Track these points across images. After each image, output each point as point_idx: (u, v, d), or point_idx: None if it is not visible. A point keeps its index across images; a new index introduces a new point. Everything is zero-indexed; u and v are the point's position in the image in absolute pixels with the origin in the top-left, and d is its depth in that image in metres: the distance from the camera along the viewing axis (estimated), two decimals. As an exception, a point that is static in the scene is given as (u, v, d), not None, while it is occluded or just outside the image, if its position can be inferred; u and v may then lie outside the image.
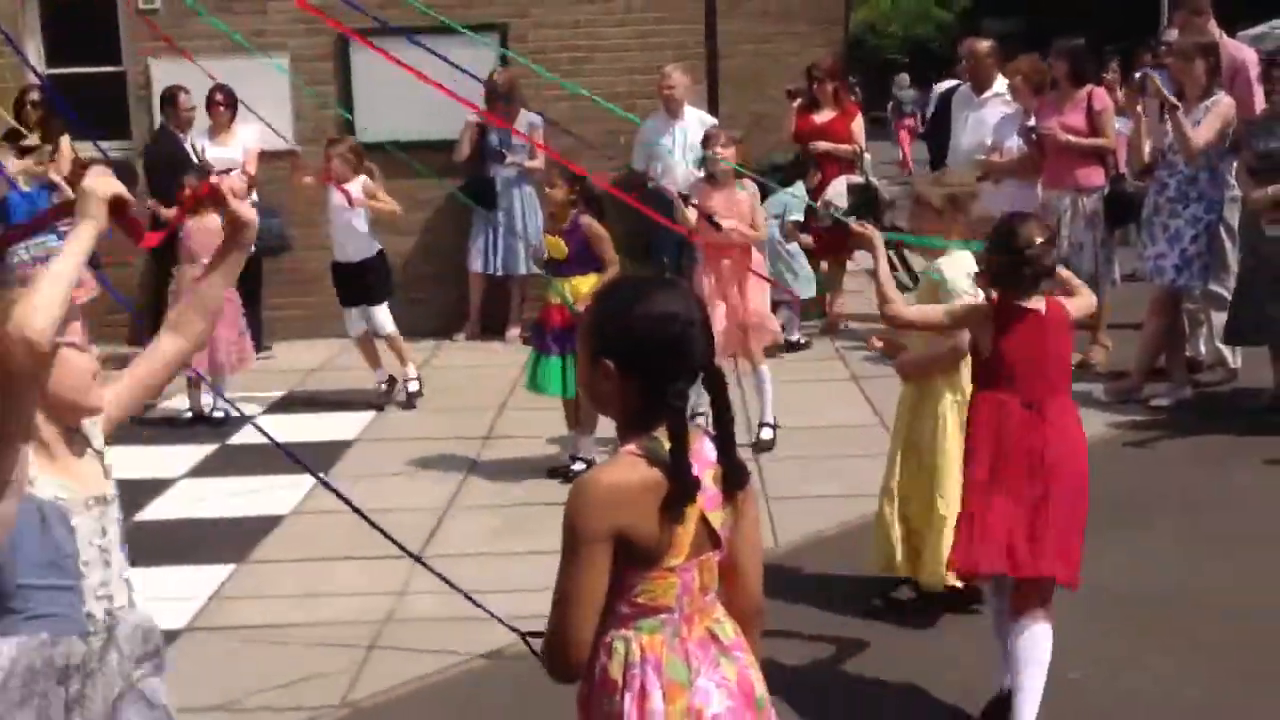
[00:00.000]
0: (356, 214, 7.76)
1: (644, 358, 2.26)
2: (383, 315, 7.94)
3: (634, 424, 2.30)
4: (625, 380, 2.28)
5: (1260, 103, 7.77)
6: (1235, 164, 7.56)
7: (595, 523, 2.20)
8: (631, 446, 2.28)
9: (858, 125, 9.90)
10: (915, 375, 4.72)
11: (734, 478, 2.34)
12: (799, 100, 9.96)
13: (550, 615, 2.23)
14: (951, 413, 4.58)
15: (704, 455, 2.33)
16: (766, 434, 6.92)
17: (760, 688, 2.39)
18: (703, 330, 2.31)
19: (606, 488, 2.23)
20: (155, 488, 6.59)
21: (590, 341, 2.33)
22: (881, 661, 4.48)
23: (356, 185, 7.74)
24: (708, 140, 7.03)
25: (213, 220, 7.28)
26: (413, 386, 8.03)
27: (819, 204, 9.61)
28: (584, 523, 2.20)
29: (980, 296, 4.14)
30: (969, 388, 4.15)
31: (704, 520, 2.30)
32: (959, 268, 4.50)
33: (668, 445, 2.25)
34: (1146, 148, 7.42)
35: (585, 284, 6.37)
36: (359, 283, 7.91)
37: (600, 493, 2.22)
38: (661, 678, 2.28)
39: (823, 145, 9.69)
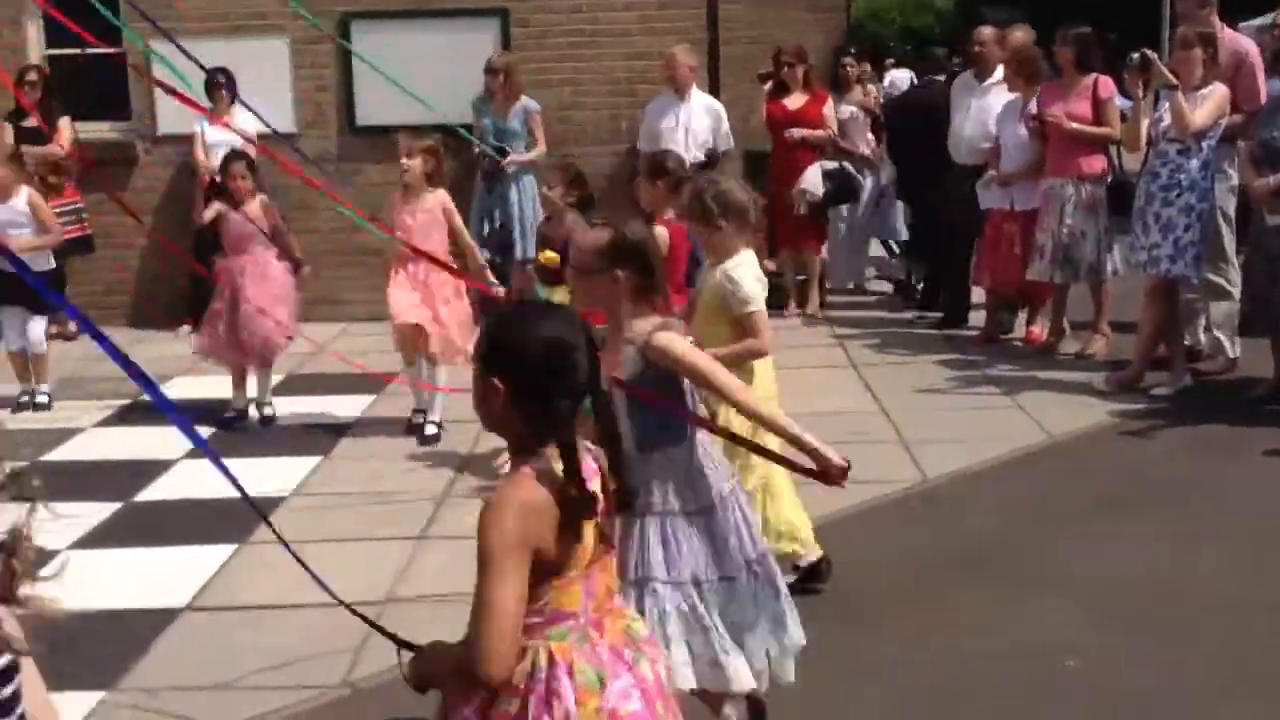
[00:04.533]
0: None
1: (531, 380, 2.36)
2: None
3: (524, 443, 2.39)
4: (514, 401, 2.37)
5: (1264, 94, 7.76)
6: (1235, 154, 7.58)
7: (512, 536, 2.27)
8: (525, 467, 2.36)
9: (829, 109, 9.90)
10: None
11: (626, 497, 2.50)
12: (768, 85, 9.95)
13: (471, 628, 2.27)
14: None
15: (589, 466, 2.43)
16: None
17: (670, 684, 2.54)
18: (587, 354, 2.41)
19: (519, 503, 2.30)
20: (156, 469, 6.59)
21: (481, 362, 2.42)
22: (866, 652, 4.49)
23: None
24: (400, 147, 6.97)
25: (251, 208, 7.28)
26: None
27: (794, 191, 9.63)
28: (501, 536, 2.26)
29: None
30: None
31: (599, 526, 2.41)
32: (749, 272, 4.45)
33: (556, 464, 2.33)
34: (1144, 125, 7.40)
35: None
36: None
37: (515, 507, 2.29)
38: (573, 681, 2.35)
39: (798, 133, 9.68)
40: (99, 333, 2.95)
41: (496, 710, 2.35)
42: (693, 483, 3.52)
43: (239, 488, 2.86)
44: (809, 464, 3.46)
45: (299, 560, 2.81)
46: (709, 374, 3.49)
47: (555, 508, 2.31)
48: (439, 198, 6.94)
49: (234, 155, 7.43)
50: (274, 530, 3.04)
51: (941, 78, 10.28)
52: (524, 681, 2.34)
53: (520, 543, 2.27)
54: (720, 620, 3.51)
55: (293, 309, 7.46)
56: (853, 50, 11.21)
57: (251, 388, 7.51)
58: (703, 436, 3.59)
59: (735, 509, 3.59)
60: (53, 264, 7.87)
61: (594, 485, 2.39)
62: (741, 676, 3.51)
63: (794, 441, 3.47)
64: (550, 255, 6.36)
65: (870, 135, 10.48)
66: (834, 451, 3.41)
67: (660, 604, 3.45)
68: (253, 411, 7.51)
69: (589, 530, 2.37)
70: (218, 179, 7.76)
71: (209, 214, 7.43)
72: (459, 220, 7.11)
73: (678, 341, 3.46)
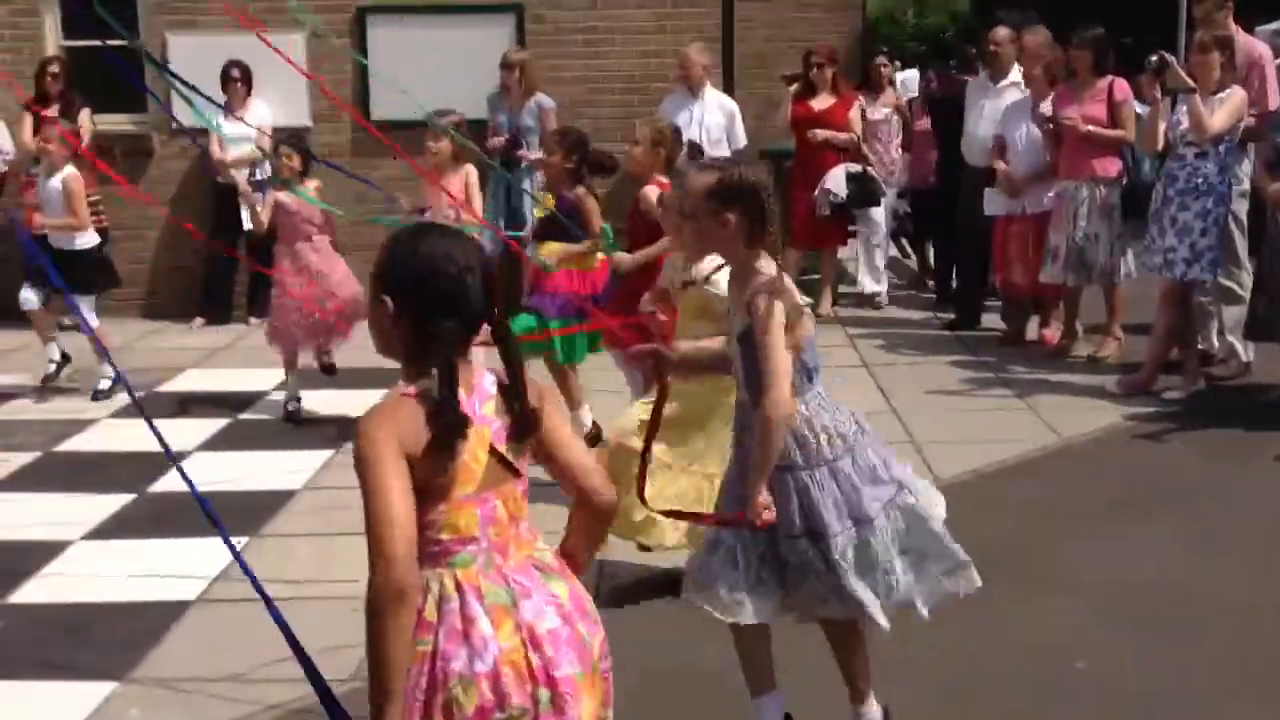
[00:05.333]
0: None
1: (418, 297, 2.37)
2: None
3: (412, 363, 2.40)
4: (402, 319, 2.39)
5: (1276, 97, 7.75)
6: (1248, 158, 7.56)
7: (381, 444, 2.27)
8: (404, 387, 2.37)
9: (855, 113, 9.90)
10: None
11: (522, 427, 2.43)
12: (795, 86, 9.96)
13: (368, 547, 2.28)
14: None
15: (483, 389, 2.43)
16: None
17: (590, 603, 2.51)
18: (482, 281, 2.39)
19: (381, 415, 2.32)
20: (169, 460, 6.59)
21: (375, 281, 2.43)
22: (876, 651, 4.49)
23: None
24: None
25: (307, 190, 7.28)
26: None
27: (817, 192, 9.64)
28: (370, 445, 2.28)
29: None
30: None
31: (495, 452, 2.40)
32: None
33: (460, 388, 2.35)
34: (1161, 128, 7.38)
35: (557, 248, 6.36)
36: None
37: (378, 419, 2.32)
38: (484, 604, 2.35)
39: (822, 134, 9.68)
40: (87, 323, 2.99)
41: (415, 650, 2.34)
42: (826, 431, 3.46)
43: (208, 511, 2.87)
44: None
45: (268, 604, 2.81)
46: (773, 366, 3.28)
47: (427, 428, 2.31)
48: (465, 172, 7.23)
49: (286, 138, 7.54)
50: (250, 574, 3.01)
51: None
52: (434, 615, 2.34)
53: (393, 449, 2.27)
54: (896, 553, 3.51)
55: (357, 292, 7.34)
56: (885, 49, 11.21)
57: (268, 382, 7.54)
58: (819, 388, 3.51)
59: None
60: (96, 239, 7.97)
61: (485, 409, 2.40)
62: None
63: (755, 484, 3.35)
64: (548, 199, 6.40)
65: (898, 139, 10.48)
66: (768, 513, 3.33)
67: (836, 549, 3.41)
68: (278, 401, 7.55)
69: (478, 449, 2.37)
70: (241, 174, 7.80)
71: (265, 213, 7.33)
72: (477, 195, 7.35)
73: (776, 315, 3.29)
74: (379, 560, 2.25)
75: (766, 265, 3.40)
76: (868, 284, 10.40)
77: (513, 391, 2.43)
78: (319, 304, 7.22)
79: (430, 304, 2.36)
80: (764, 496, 3.33)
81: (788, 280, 3.41)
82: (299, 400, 7.47)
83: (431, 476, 2.32)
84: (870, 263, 10.41)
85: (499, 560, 2.40)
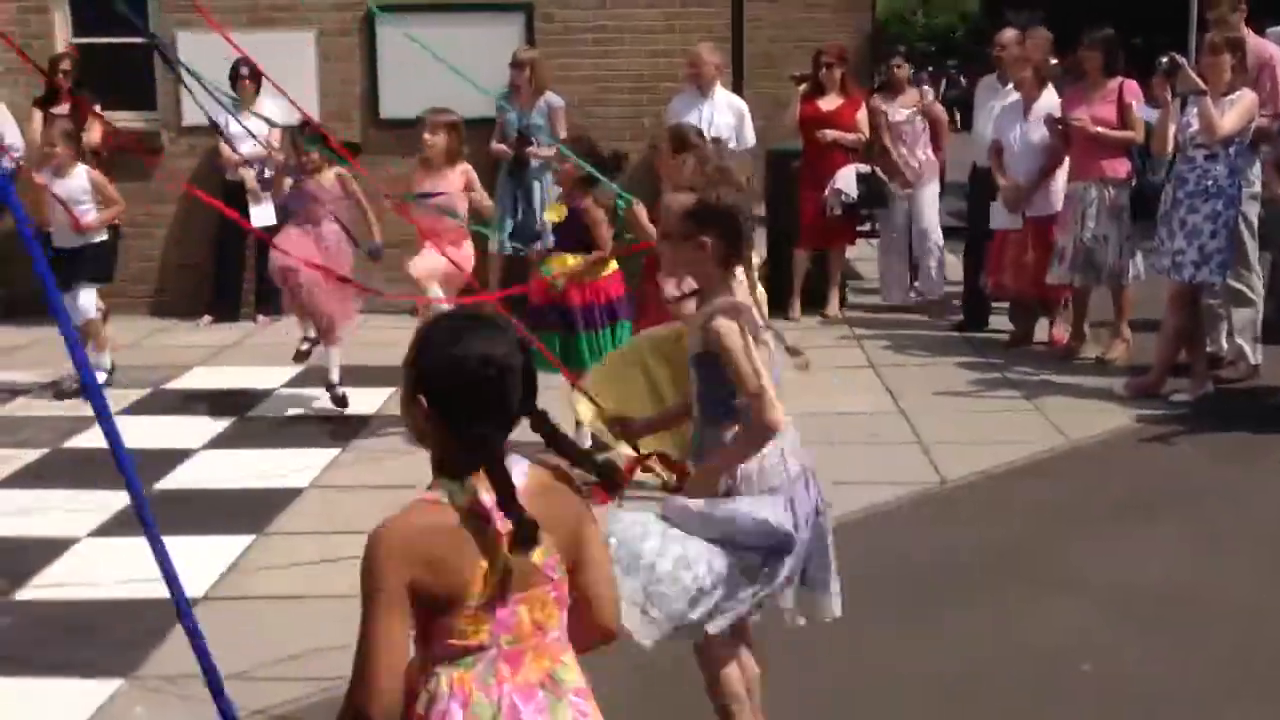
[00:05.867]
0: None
1: (456, 402, 2.21)
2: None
3: (445, 466, 2.27)
4: (439, 420, 2.23)
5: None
6: (1259, 160, 7.54)
7: (388, 574, 2.16)
8: (428, 493, 2.25)
9: (863, 114, 9.87)
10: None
11: (520, 535, 2.20)
12: (804, 86, 9.94)
13: (354, 668, 2.19)
14: None
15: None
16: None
17: None
18: (523, 376, 2.26)
19: (400, 540, 2.18)
20: (175, 458, 6.63)
21: (410, 375, 2.27)
22: (882, 653, 4.49)
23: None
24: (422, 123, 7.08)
25: (328, 177, 7.30)
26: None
27: (827, 192, 9.63)
28: (376, 572, 2.17)
29: None
30: None
31: (519, 557, 2.22)
32: (761, 296, 4.41)
33: (481, 490, 2.21)
34: (1171, 130, 7.36)
35: (569, 260, 6.36)
36: None
37: (393, 544, 2.18)
38: (465, 713, 2.22)
39: (830, 134, 9.67)
40: (70, 331, 3.02)
41: None
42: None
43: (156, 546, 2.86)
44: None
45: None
46: (745, 378, 3.31)
47: (451, 536, 2.18)
48: (461, 169, 7.20)
49: (299, 128, 7.45)
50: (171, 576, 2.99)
51: None
52: (424, 710, 2.23)
53: (394, 581, 2.16)
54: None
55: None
56: (901, 49, 11.15)
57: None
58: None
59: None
60: (105, 236, 7.96)
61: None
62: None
63: (719, 465, 3.38)
64: (559, 209, 6.40)
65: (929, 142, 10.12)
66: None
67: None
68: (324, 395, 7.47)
69: (498, 560, 2.20)
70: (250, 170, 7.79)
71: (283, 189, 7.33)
72: (480, 191, 7.34)
73: (734, 335, 3.33)
74: (355, 693, 2.17)
75: (738, 286, 3.42)
76: (933, 288, 10.12)
77: (507, 500, 2.20)
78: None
79: (469, 410, 2.21)
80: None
81: (748, 301, 3.42)
82: (335, 386, 7.35)
83: (446, 589, 2.19)
84: (927, 271, 10.11)
85: (504, 672, 2.24)
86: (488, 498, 2.22)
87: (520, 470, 2.28)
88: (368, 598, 2.18)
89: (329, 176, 7.29)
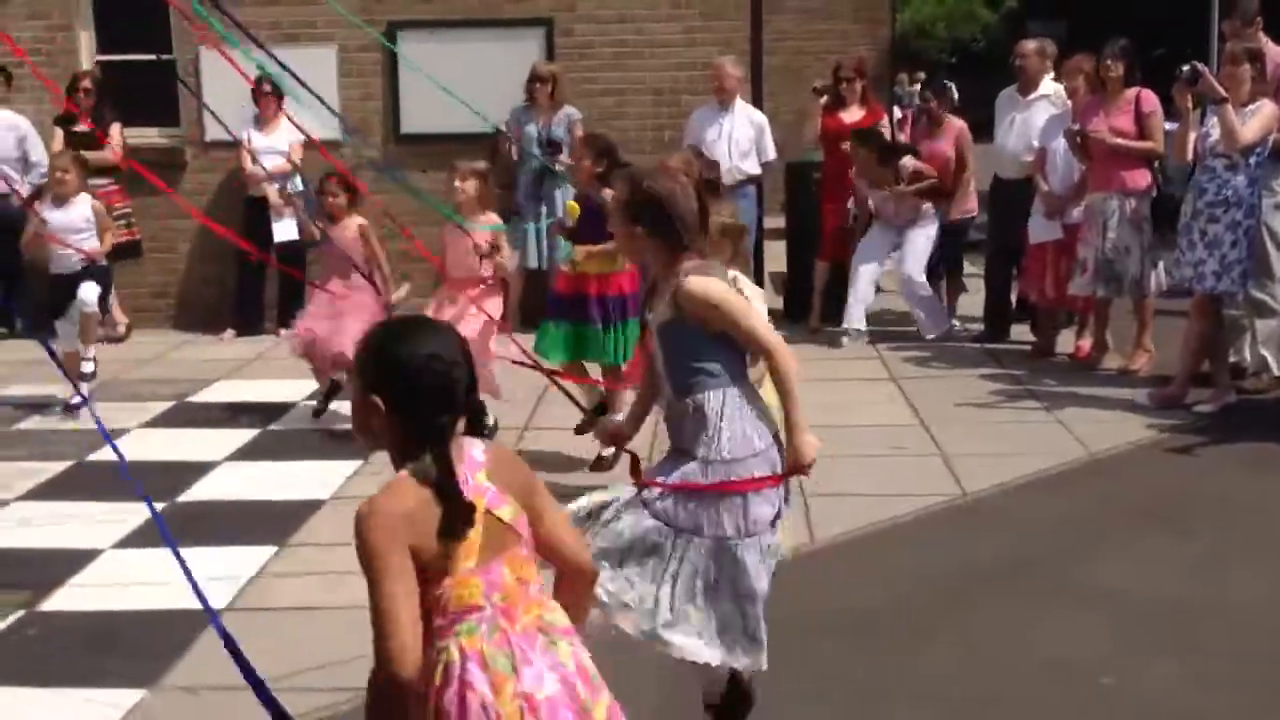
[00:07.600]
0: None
1: (410, 397, 2.39)
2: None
3: (405, 455, 2.43)
4: (393, 416, 2.41)
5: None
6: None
7: (387, 538, 2.31)
8: (403, 471, 2.41)
9: (884, 126, 9.86)
10: None
11: (457, 514, 2.39)
12: (825, 98, 9.92)
13: (374, 638, 2.30)
14: None
15: (472, 458, 2.46)
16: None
17: (593, 669, 2.52)
18: (465, 369, 2.45)
19: (389, 508, 2.35)
20: (199, 470, 6.66)
21: (361, 379, 2.46)
22: (901, 665, 4.48)
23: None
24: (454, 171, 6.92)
25: (350, 227, 7.28)
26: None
27: (850, 203, 9.62)
28: (377, 540, 2.31)
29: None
30: None
31: (492, 517, 2.43)
32: (755, 291, 4.47)
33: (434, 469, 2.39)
34: (1191, 138, 7.34)
35: (588, 250, 6.37)
36: None
37: (386, 511, 2.34)
38: (486, 670, 2.38)
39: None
40: (49, 347, 3.07)
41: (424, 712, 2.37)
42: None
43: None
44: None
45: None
46: (749, 325, 3.38)
47: (432, 507, 2.35)
48: (490, 220, 6.94)
49: (332, 173, 7.44)
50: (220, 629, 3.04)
51: None
52: (439, 680, 2.37)
53: (396, 543, 2.31)
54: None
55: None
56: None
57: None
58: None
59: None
60: (103, 261, 7.95)
61: (478, 478, 2.43)
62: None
63: (794, 429, 3.45)
64: (575, 207, 6.43)
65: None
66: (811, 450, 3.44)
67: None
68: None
69: (475, 526, 2.39)
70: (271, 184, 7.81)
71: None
72: (506, 246, 7.10)
73: (714, 285, 3.39)
74: (388, 659, 2.28)
75: (692, 265, 3.46)
76: (930, 328, 9.48)
77: (447, 489, 2.39)
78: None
79: (422, 403, 2.39)
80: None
81: (720, 267, 3.51)
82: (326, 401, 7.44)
83: (435, 556, 2.36)
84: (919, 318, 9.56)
85: (504, 624, 2.43)
86: (459, 470, 2.41)
87: (479, 449, 2.49)
88: (371, 570, 2.31)
89: (351, 227, 7.29)
